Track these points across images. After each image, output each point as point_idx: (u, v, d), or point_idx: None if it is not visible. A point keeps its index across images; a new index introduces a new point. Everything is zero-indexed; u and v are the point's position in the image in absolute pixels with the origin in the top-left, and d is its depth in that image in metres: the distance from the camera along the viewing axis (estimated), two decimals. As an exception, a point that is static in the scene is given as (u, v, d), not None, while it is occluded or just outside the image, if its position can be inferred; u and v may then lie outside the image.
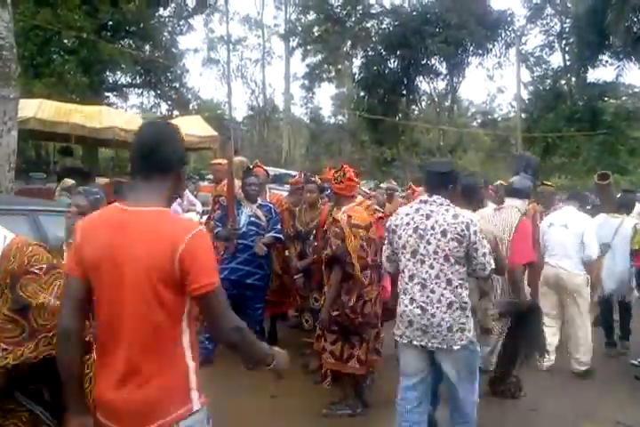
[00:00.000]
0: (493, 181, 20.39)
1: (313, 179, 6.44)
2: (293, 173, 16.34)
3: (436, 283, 3.12)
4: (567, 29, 25.48)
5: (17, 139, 7.39)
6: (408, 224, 3.22)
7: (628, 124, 24.06)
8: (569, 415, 4.47)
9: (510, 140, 31.48)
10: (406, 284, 3.22)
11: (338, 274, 4.07)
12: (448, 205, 3.22)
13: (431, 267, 3.13)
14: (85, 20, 18.31)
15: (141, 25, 22.05)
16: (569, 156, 24.44)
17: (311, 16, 32.69)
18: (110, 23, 21.43)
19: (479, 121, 43.52)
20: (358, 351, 4.18)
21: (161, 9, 22.90)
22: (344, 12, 30.73)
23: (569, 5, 24.73)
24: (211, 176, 20.75)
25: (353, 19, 30.84)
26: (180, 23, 25.99)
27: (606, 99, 25.26)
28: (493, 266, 3.25)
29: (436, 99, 30.56)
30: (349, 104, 35.02)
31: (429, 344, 3.17)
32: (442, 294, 3.11)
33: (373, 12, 30.77)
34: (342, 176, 4.33)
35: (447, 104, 31.18)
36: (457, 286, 3.14)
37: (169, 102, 27.04)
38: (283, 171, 18.89)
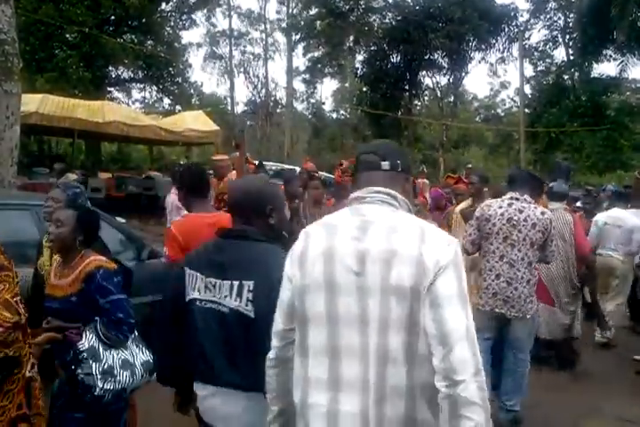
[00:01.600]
0: (497, 176, 20.41)
1: (317, 175, 6.45)
2: (297, 168, 16.35)
3: (520, 264, 3.94)
4: (571, 24, 25.33)
5: (19, 134, 7.39)
6: (502, 215, 3.98)
7: (631, 120, 23.99)
8: (571, 411, 4.46)
9: (513, 135, 31.44)
10: (496, 262, 4.00)
11: None
12: (535, 203, 4.09)
13: (519, 251, 3.94)
14: (87, 15, 18.32)
15: (143, 20, 22.03)
16: (572, 151, 24.34)
17: (313, 10, 32.57)
18: (112, 18, 21.43)
19: (482, 116, 43.48)
20: None
21: (163, 4, 22.81)
22: (347, 7, 30.59)
23: (572, 0, 24.60)
24: (212, 171, 20.86)
25: (355, 13, 30.70)
26: (183, 18, 25.97)
27: (610, 94, 25.14)
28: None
29: (439, 94, 30.44)
30: (352, 99, 34.96)
31: (508, 313, 3.95)
32: (524, 273, 3.94)
33: (376, 6, 30.63)
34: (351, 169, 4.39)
35: (450, 99, 31.08)
36: (534, 267, 4.02)
37: (171, 97, 27.03)
38: (285, 166, 18.86)
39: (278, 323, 1.74)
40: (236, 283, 1.99)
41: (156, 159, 23.14)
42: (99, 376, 2.65)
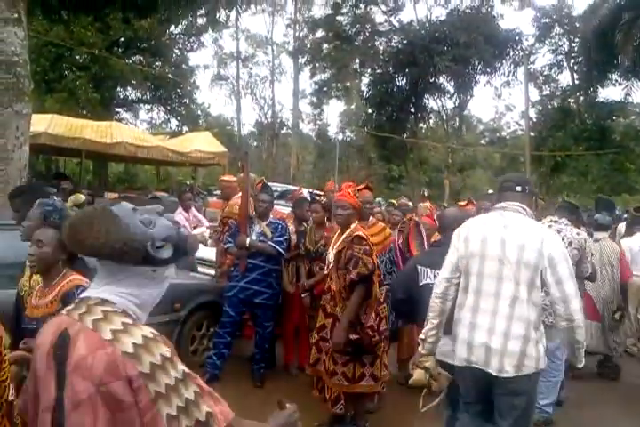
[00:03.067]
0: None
1: (318, 198, 6.42)
2: (304, 190, 16.35)
3: None
4: (576, 49, 25.52)
5: (28, 154, 7.43)
6: None
7: (637, 143, 23.97)
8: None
9: (519, 158, 31.47)
10: None
11: (361, 293, 4.01)
12: (570, 225, 4.70)
13: None
14: (97, 37, 18.56)
15: (152, 42, 22.34)
16: (578, 174, 24.35)
17: (320, 34, 32.94)
18: (122, 40, 21.72)
19: (487, 139, 43.62)
20: (371, 369, 4.13)
21: (172, 26, 23.13)
22: (353, 31, 30.94)
23: (577, 25, 24.80)
24: (219, 192, 20.88)
25: (362, 37, 31.04)
26: (191, 40, 26.31)
27: (615, 118, 25.23)
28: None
29: (445, 117, 30.60)
30: (357, 121, 35.16)
31: None
32: None
33: (382, 30, 30.95)
34: (358, 192, 4.39)
35: (455, 122, 31.23)
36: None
37: (178, 118, 27.24)
38: (291, 187, 18.89)
39: (445, 272, 3.14)
40: None
41: (162, 180, 23.24)
42: None
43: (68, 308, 1.51)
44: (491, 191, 7.34)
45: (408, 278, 3.91)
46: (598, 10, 20.19)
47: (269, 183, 7.32)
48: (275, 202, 5.96)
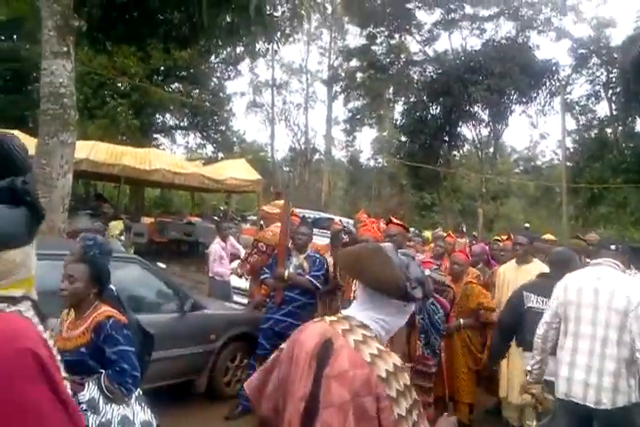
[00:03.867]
0: (538, 229, 19.98)
1: (351, 229, 6.41)
2: (335, 217, 16.35)
3: None
4: (614, 79, 25.29)
5: (71, 181, 7.60)
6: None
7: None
8: None
9: (555, 187, 31.08)
10: None
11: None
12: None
13: None
14: (138, 66, 19.06)
15: (191, 70, 22.86)
16: (616, 206, 23.88)
17: (354, 62, 33.33)
18: (162, 68, 22.29)
19: (522, 167, 43.22)
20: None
21: (212, 56, 23.67)
22: (387, 60, 31.26)
23: (615, 55, 24.62)
24: (252, 217, 21.03)
25: (396, 66, 31.32)
26: (229, 69, 26.85)
27: (654, 149, 24.79)
28: None
29: (479, 145, 30.48)
30: (389, 148, 35.25)
31: None
32: None
33: (417, 59, 31.21)
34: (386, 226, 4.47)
35: (489, 150, 31.07)
36: None
37: (214, 145, 27.68)
38: (323, 215, 18.92)
39: (547, 316, 3.73)
40: None
41: (197, 204, 23.53)
42: None
43: (332, 319, 1.82)
44: (527, 225, 7.18)
45: (514, 303, 4.55)
46: (637, 41, 20.03)
47: (301, 210, 7.39)
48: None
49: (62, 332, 2.85)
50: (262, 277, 5.56)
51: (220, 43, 10.33)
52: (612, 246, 3.67)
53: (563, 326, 3.61)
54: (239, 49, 10.74)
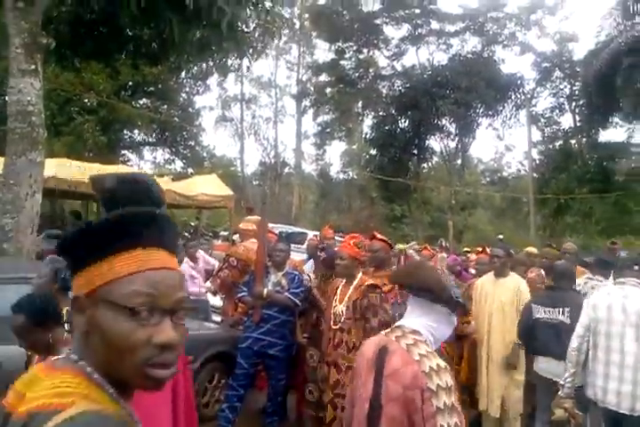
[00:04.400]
0: (507, 239, 20.25)
1: (326, 245, 6.40)
2: (308, 232, 16.28)
3: None
4: (577, 92, 25.94)
5: (40, 202, 7.45)
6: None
7: (640, 185, 24.10)
8: None
9: (521, 198, 31.58)
10: None
11: None
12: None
13: None
14: (107, 82, 18.84)
15: (159, 86, 22.68)
16: (581, 216, 24.36)
17: (323, 77, 33.56)
18: (130, 84, 22.07)
19: (488, 179, 43.82)
20: None
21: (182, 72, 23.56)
22: (356, 75, 31.56)
23: (578, 69, 25.27)
24: (224, 233, 20.84)
25: (365, 80, 31.63)
26: (197, 84, 26.74)
27: (618, 159, 25.39)
28: None
29: (447, 157, 30.88)
30: (359, 161, 35.46)
31: None
32: None
33: (385, 73, 31.57)
34: (362, 243, 4.46)
35: (457, 163, 31.49)
36: None
37: (184, 160, 27.46)
38: (295, 229, 18.87)
39: (579, 331, 4.01)
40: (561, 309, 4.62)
41: (166, 221, 23.20)
42: None
43: (387, 331, 2.15)
44: (501, 236, 7.24)
45: (525, 315, 4.90)
46: (599, 55, 20.58)
47: (273, 224, 7.37)
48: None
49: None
50: (239, 295, 5.50)
51: (191, 59, 10.25)
52: (636, 267, 4.05)
53: (592, 340, 3.99)
54: (210, 64, 10.65)
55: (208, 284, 7.71)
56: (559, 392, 4.14)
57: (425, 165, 32.59)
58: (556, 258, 6.50)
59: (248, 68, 11.19)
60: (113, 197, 1.28)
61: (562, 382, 4.11)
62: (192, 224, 22.18)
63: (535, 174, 27.17)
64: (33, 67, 7.27)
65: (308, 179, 42.05)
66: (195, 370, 5.35)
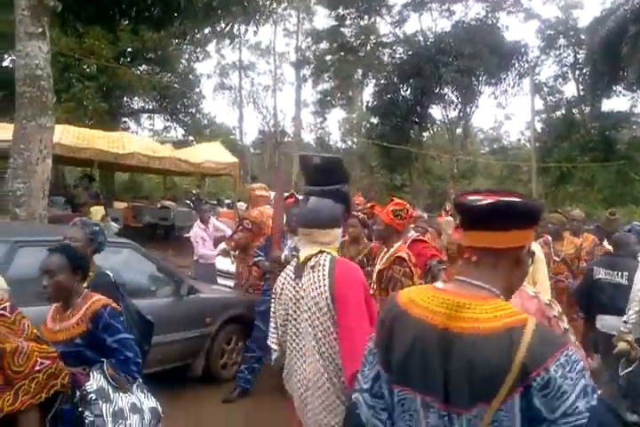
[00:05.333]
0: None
1: (354, 212, 6.40)
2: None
3: None
4: (581, 60, 25.66)
5: (50, 166, 7.43)
6: None
7: (642, 154, 24.06)
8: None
9: (522, 167, 31.50)
10: None
11: None
12: None
13: None
14: (107, 48, 18.56)
15: (159, 52, 22.38)
16: (583, 185, 24.36)
17: (324, 44, 33.05)
18: (129, 50, 21.76)
19: (487, 148, 43.71)
20: None
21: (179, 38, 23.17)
22: (357, 42, 31.09)
23: (583, 37, 24.93)
24: (227, 201, 20.82)
25: (366, 48, 31.18)
26: (197, 50, 26.36)
27: (620, 128, 25.28)
28: None
29: (449, 126, 30.67)
30: (359, 130, 35.20)
31: None
32: None
33: (387, 41, 31.11)
34: (404, 212, 4.25)
35: (459, 131, 31.29)
36: None
37: (185, 128, 27.24)
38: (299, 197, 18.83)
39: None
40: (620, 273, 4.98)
41: (168, 188, 23.23)
42: (109, 418, 2.54)
43: None
44: None
45: (587, 276, 5.33)
46: (605, 22, 20.31)
47: (273, 192, 7.37)
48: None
49: (47, 323, 2.77)
50: (255, 259, 5.54)
51: (197, 24, 10.07)
52: None
53: None
54: (218, 29, 10.46)
55: (223, 246, 7.78)
56: (621, 328, 4.52)
57: (426, 133, 32.37)
58: (562, 224, 6.57)
59: (255, 32, 10.92)
60: (317, 171, 2.13)
61: (624, 319, 4.50)
62: (194, 192, 22.19)
63: (537, 143, 27.04)
64: (40, 30, 7.17)
65: (307, 148, 41.88)
66: (213, 332, 5.45)
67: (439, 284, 1.49)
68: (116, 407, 2.58)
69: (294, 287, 2.54)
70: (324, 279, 2.40)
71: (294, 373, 2.56)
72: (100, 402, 2.55)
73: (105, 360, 2.64)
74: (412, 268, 4.02)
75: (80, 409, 2.53)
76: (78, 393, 2.55)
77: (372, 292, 4.32)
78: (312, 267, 2.48)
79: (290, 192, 6.09)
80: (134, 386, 2.72)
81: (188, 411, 4.86)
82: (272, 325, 2.77)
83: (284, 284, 2.63)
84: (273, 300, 2.74)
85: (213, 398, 5.24)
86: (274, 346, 2.76)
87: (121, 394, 2.63)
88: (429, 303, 1.40)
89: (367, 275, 4.68)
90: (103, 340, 2.62)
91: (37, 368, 2.28)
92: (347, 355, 2.32)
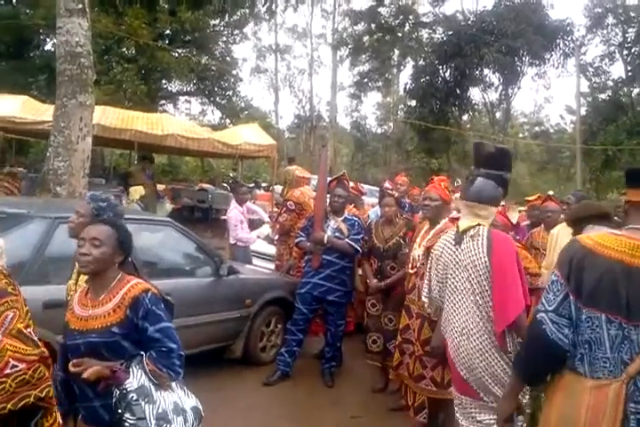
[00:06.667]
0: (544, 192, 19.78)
1: (390, 192, 6.20)
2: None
3: None
4: (630, 39, 24.66)
5: (90, 145, 7.39)
6: None
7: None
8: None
9: (563, 151, 30.66)
10: None
11: None
12: None
13: None
14: (145, 29, 18.55)
15: (197, 34, 22.30)
16: (630, 169, 23.50)
17: (361, 25, 32.53)
18: (168, 32, 21.76)
19: (527, 132, 42.68)
20: None
21: (218, 19, 23.03)
22: (396, 22, 30.50)
23: (632, 14, 23.94)
24: (264, 184, 20.74)
25: (405, 28, 30.59)
26: (234, 33, 26.22)
27: (670, 110, 24.32)
28: None
29: (490, 109, 29.95)
30: (396, 113, 34.69)
31: None
32: None
33: (426, 20, 30.47)
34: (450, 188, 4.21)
35: (499, 114, 30.55)
36: None
37: (222, 110, 27.21)
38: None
39: None
40: None
41: (205, 171, 23.28)
42: (153, 422, 2.22)
43: None
44: (551, 192, 6.78)
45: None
46: (657, -2, 19.43)
47: (310, 175, 7.21)
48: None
49: (74, 309, 2.42)
50: (296, 240, 5.40)
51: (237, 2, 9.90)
52: None
53: None
54: (261, 8, 10.28)
55: (266, 229, 7.68)
56: None
57: (465, 117, 31.69)
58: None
59: (295, 9, 10.68)
60: (488, 157, 2.81)
61: None
62: (230, 175, 22.18)
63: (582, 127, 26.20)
64: (80, 6, 7.11)
65: (342, 132, 41.52)
66: (252, 314, 5.34)
67: (616, 231, 2.03)
68: (160, 409, 2.28)
69: (454, 252, 3.05)
70: (482, 247, 2.91)
71: (450, 320, 3.04)
72: (142, 403, 2.25)
73: (143, 353, 2.33)
74: None
75: (120, 412, 2.22)
76: (118, 392, 2.25)
77: (414, 271, 4.18)
78: (472, 236, 2.98)
79: (342, 172, 5.83)
80: (174, 382, 2.41)
81: (227, 392, 4.79)
82: (426, 281, 3.34)
83: (443, 248, 3.14)
84: (430, 260, 3.31)
85: (253, 381, 5.15)
86: (425, 299, 3.34)
87: (162, 393, 2.32)
88: (616, 245, 1.90)
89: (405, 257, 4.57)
90: (144, 329, 2.31)
91: (7, 372, 1.86)
92: (497, 312, 2.84)
